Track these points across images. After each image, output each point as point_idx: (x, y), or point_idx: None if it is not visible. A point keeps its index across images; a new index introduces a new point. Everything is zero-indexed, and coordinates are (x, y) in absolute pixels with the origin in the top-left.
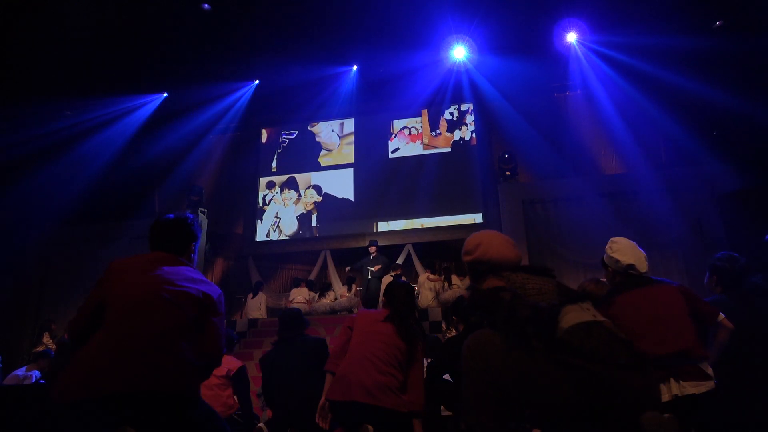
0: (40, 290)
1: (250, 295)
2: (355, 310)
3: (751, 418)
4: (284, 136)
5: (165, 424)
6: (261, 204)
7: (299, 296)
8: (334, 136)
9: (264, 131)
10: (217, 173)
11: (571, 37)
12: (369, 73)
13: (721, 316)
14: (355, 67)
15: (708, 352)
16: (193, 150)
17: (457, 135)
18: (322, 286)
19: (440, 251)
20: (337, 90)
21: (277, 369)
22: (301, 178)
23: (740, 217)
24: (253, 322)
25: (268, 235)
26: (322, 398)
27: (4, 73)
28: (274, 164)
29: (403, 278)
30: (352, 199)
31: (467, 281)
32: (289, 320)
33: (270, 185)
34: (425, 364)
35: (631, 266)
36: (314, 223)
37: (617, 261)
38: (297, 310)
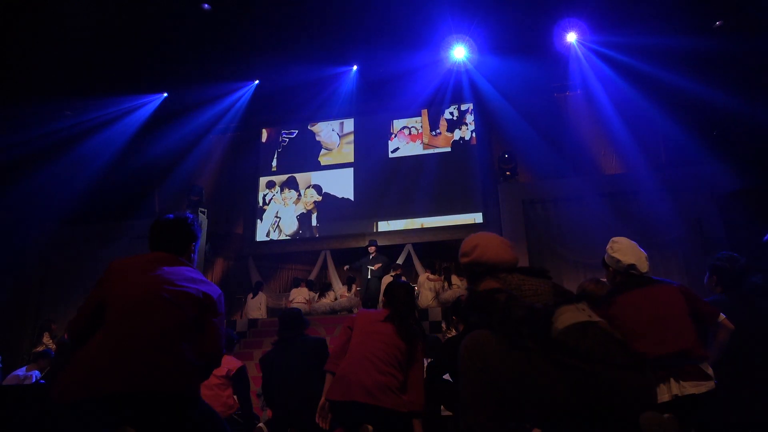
0: (40, 290)
1: (250, 295)
2: (355, 310)
3: (751, 418)
4: (284, 136)
5: (165, 424)
6: (261, 203)
7: (299, 296)
8: (334, 136)
9: (264, 131)
10: (217, 173)
11: (571, 37)
12: (369, 73)
13: (722, 316)
14: (355, 67)
15: (708, 352)
16: (193, 150)
17: (457, 134)
18: (322, 286)
19: (440, 251)
20: (337, 90)
21: (277, 369)
22: (301, 177)
23: (740, 217)
24: (253, 322)
25: (268, 235)
26: (322, 398)
27: (4, 73)
28: (274, 163)
29: (403, 278)
30: (352, 198)
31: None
32: (289, 320)
33: (270, 185)
34: (425, 364)
35: (632, 266)
36: (314, 222)
37: (618, 261)
38: (297, 310)
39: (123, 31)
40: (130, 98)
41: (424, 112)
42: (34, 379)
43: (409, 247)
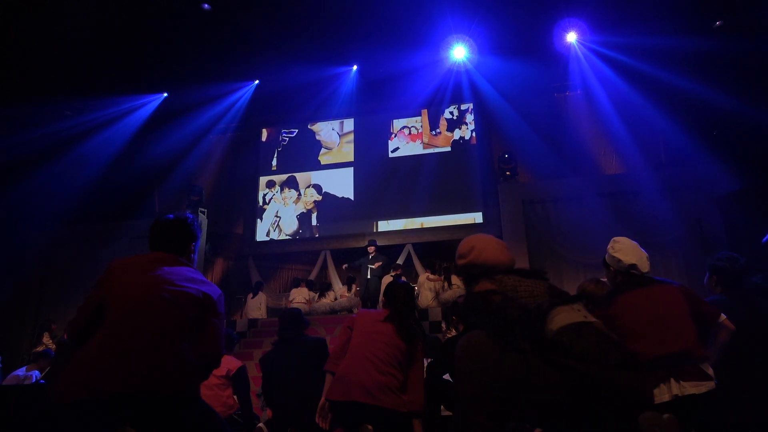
0: (40, 290)
1: (250, 295)
2: (355, 310)
3: (751, 418)
4: (284, 135)
5: (165, 424)
6: (261, 203)
7: (299, 296)
8: (334, 135)
9: (264, 131)
10: (217, 173)
11: (571, 37)
12: (369, 72)
13: (723, 316)
14: (355, 67)
15: (708, 352)
16: (193, 150)
17: (457, 134)
18: (322, 286)
19: (440, 251)
20: (337, 90)
21: (277, 369)
22: (301, 177)
23: (740, 217)
24: (253, 322)
25: (268, 235)
26: (322, 398)
27: (4, 73)
28: (274, 163)
29: (403, 278)
30: (352, 198)
31: None
32: (289, 320)
33: (270, 184)
34: (425, 364)
35: (633, 266)
36: (314, 222)
37: (619, 261)
38: (297, 310)
39: (123, 31)
40: (130, 98)
41: (424, 111)
42: (34, 379)
43: (409, 247)
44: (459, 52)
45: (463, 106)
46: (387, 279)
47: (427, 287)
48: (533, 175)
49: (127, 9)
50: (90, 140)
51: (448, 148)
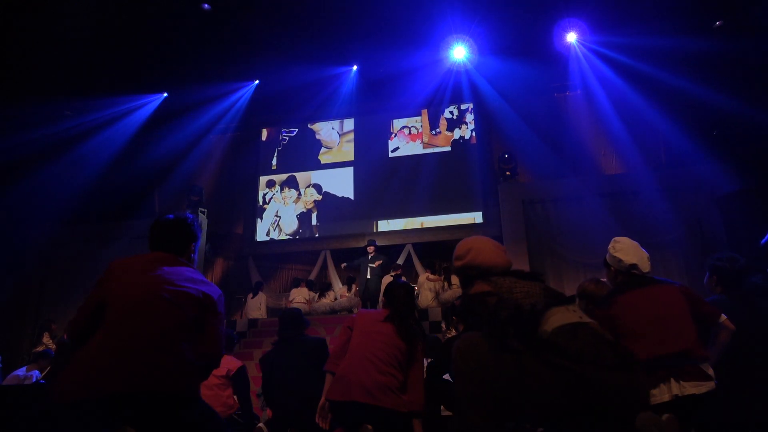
0: (40, 290)
1: (250, 295)
2: (355, 310)
3: (751, 418)
4: (284, 134)
5: (165, 424)
6: (261, 203)
7: (299, 296)
8: (334, 134)
9: (264, 131)
10: (217, 173)
11: (571, 37)
12: (369, 72)
13: (723, 317)
14: (355, 67)
15: (708, 352)
16: (193, 150)
17: (456, 134)
18: (322, 286)
19: (440, 251)
20: (337, 90)
21: (277, 369)
22: (301, 176)
23: (740, 217)
24: (253, 322)
25: (268, 234)
26: (322, 398)
27: (4, 73)
28: (274, 162)
29: (403, 278)
30: (352, 197)
31: None
32: (289, 320)
33: (270, 184)
34: (425, 364)
35: (634, 266)
36: (314, 221)
37: (620, 261)
38: (297, 310)
39: (123, 31)
40: (130, 98)
41: (424, 111)
42: (34, 379)
43: (409, 247)
44: (459, 52)
45: (463, 106)
46: (387, 279)
47: (427, 287)
48: (533, 175)
49: (127, 9)
50: (90, 140)
51: (448, 148)
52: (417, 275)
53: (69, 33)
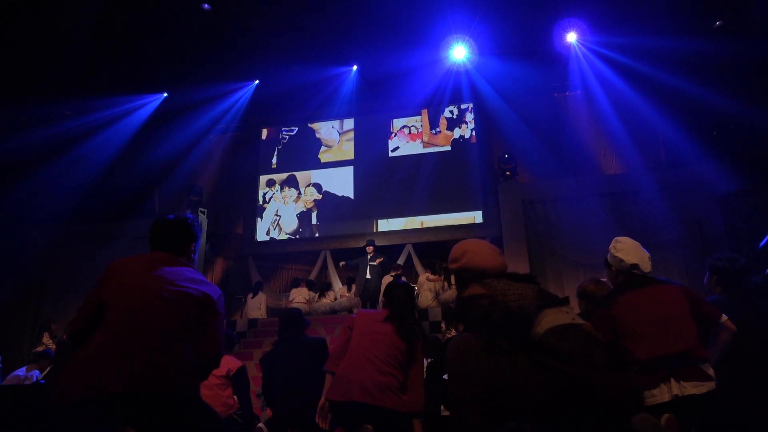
0: (40, 290)
1: (250, 295)
2: (355, 310)
3: (751, 418)
4: (284, 133)
5: (165, 424)
6: (261, 202)
7: (299, 296)
8: (334, 133)
9: (264, 131)
10: (217, 173)
11: (571, 38)
12: (369, 72)
13: (724, 317)
14: (355, 67)
15: (709, 353)
16: (193, 150)
17: (456, 133)
18: (322, 286)
19: (440, 251)
20: (337, 90)
21: (277, 369)
22: (301, 176)
23: (740, 217)
24: (253, 322)
25: (268, 233)
26: (322, 398)
27: (4, 73)
28: (274, 160)
29: (403, 278)
30: (352, 197)
31: None
32: (289, 320)
33: (270, 183)
34: (425, 364)
35: (635, 266)
36: (314, 221)
37: (621, 260)
38: (297, 310)
39: (123, 31)
40: (130, 98)
41: (424, 111)
42: (34, 379)
43: (409, 247)
44: (459, 52)
45: (463, 106)
46: (387, 279)
47: (426, 287)
48: (533, 175)
49: (127, 9)
50: (90, 140)
51: (448, 147)
52: (417, 275)
53: (69, 33)
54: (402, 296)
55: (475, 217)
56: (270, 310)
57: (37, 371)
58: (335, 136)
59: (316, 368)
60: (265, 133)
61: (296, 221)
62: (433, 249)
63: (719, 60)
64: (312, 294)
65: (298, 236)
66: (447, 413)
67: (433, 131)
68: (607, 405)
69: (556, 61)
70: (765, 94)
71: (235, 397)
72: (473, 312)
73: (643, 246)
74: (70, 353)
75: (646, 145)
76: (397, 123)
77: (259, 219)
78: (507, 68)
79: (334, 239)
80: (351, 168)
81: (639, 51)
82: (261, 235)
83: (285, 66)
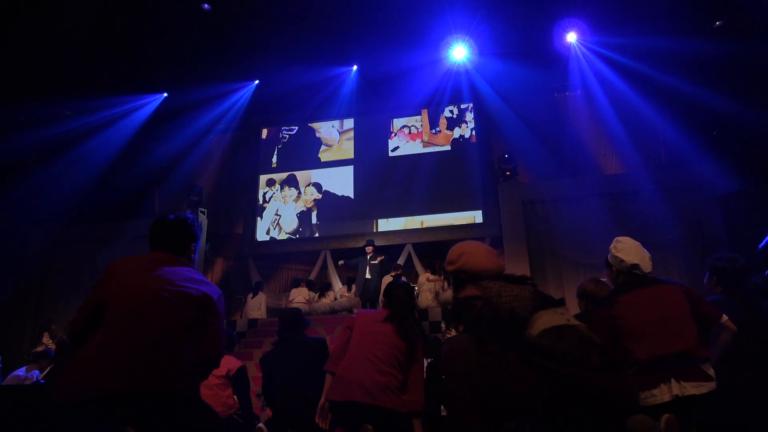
0: (40, 290)
1: (250, 295)
2: (355, 310)
3: (751, 418)
4: (284, 132)
5: (165, 424)
6: (261, 201)
7: (299, 296)
8: (334, 132)
9: (264, 131)
10: (217, 173)
11: (571, 38)
12: (369, 72)
13: (725, 317)
14: (355, 67)
15: (709, 353)
16: (193, 150)
17: (456, 132)
18: (322, 286)
19: (440, 251)
20: (337, 90)
21: (277, 369)
22: (301, 175)
23: (740, 217)
24: (253, 322)
25: (268, 233)
26: (322, 398)
27: (4, 73)
28: (274, 160)
29: (403, 278)
30: (352, 196)
31: None
32: (289, 320)
33: (270, 183)
34: (425, 364)
35: (636, 266)
36: (314, 220)
37: (622, 261)
38: (297, 310)
39: (123, 31)
40: (130, 98)
41: (424, 111)
42: (34, 380)
43: (409, 248)
44: (459, 52)
45: (463, 106)
46: (387, 279)
47: (426, 288)
48: (533, 175)
49: (127, 9)
50: (90, 140)
51: (448, 147)
52: (417, 275)
53: (69, 33)
54: (402, 296)
55: (475, 216)
56: (270, 310)
57: (37, 371)
58: (335, 135)
59: (316, 368)
60: (265, 132)
61: (296, 221)
62: (433, 249)
63: (719, 60)
64: (312, 294)
65: (298, 236)
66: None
67: (433, 131)
68: (602, 406)
69: (556, 61)
70: (765, 94)
71: (235, 397)
72: (468, 313)
73: (643, 246)
74: (70, 353)
75: (646, 145)
76: (397, 123)
77: (259, 218)
78: (507, 68)
79: (334, 239)
80: (351, 167)
81: (639, 51)
82: (261, 235)
83: (285, 66)
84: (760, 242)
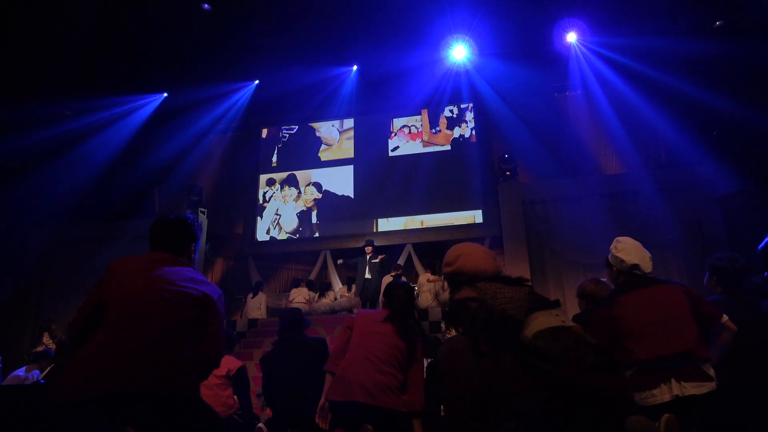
0: (40, 290)
1: (250, 295)
2: (355, 310)
3: (752, 418)
4: (284, 131)
5: (165, 424)
6: (261, 201)
7: (299, 296)
8: (334, 131)
9: (264, 131)
10: (217, 173)
11: (571, 38)
12: (369, 72)
13: (725, 317)
14: (355, 67)
15: (709, 353)
16: (193, 150)
17: (456, 132)
18: (322, 286)
19: (440, 251)
20: (337, 90)
21: (277, 369)
22: (301, 175)
23: (740, 217)
24: (253, 322)
25: (268, 232)
26: (322, 398)
27: (4, 73)
28: (274, 159)
29: (403, 278)
30: (352, 196)
31: None
32: (289, 320)
33: (270, 182)
34: (425, 364)
35: (636, 266)
36: (314, 220)
37: (622, 261)
38: (297, 310)
39: (123, 31)
40: (130, 98)
41: (424, 111)
42: (34, 379)
43: (409, 248)
44: (459, 52)
45: (463, 105)
46: (387, 279)
47: (426, 288)
48: (533, 175)
49: (127, 9)
50: (90, 140)
51: (448, 147)
52: (417, 275)
53: (69, 33)
54: (402, 296)
55: (475, 216)
56: (270, 310)
57: (37, 371)
58: (335, 135)
59: (316, 368)
60: (265, 132)
61: (296, 220)
62: (433, 249)
63: (719, 60)
64: (312, 294)
65: (298, 235)
66: None
67: (433, 130)
68: (598, 406)
69: (556, 61)
70: (765, 94)
71: (235, 397)
72: (463, 315)
73: (643, 246)
74: (70, 353)
75: (646, 145)
76: (397, 122)
77: (259, 218)
78: (507, 68)
79: (334, 239)
80: (351, 167)
81: (639, 51)
82: (261, 235)
83: (285, 66)
84: (760, 242)
